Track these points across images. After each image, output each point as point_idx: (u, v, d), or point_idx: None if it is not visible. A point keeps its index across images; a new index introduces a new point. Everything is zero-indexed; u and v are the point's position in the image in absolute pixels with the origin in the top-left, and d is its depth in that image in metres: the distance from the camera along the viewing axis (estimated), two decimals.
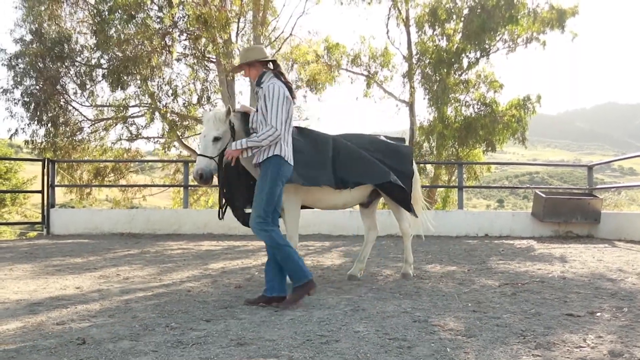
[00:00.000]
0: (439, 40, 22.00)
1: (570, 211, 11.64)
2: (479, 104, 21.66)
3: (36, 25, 19.16)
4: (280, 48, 21.71)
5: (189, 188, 12.79)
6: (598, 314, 4.41)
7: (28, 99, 18.99)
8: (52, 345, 3.54)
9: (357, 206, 6.73)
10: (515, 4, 19.98)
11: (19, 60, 18.94)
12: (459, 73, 21.81)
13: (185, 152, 22.28)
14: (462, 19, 21.24)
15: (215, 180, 5.15)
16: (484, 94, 21.89)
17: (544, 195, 11.77)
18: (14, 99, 19.06)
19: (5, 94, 19.02)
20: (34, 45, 18.94)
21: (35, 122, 19.20)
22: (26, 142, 19.75)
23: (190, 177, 13.01)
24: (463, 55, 21.35)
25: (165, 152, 22.07)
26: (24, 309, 4.64)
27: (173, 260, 7.87)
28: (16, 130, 19.33)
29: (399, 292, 5.40)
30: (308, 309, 4.63)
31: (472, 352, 3.40)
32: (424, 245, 9.71)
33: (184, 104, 20.96)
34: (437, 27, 21.67)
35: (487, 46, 21.12)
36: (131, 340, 3.64)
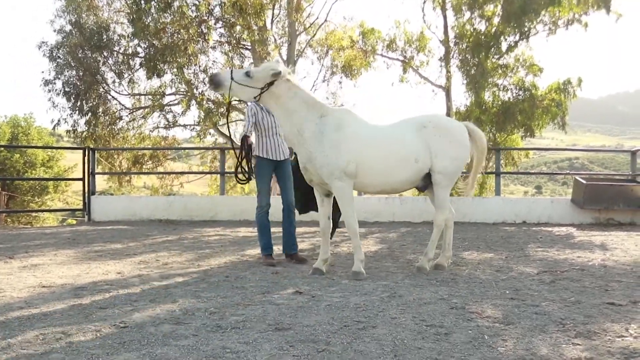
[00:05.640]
0: (477, 23, 21.58)
1: (612, 198, 11.35)
2: (518, 88, 21.19)
3: (75, 16, 19.56)
4: (315, 34, 21.66)
5: (226, 175, 12.91)
6: None
7: (69, 89, 19.44)
8: (97, 327, 3.65)
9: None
10: None
11: (60, 50, 19.36)
12: (497, 57, 21.34)
13: (221, 140, 22.49)
14: (502, 0, 20.73)
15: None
16: (523, 78, 21.40)
17: (584, 181, 11.51)
18: (56, 90, 19.53)
19: (48, 85, 19.49)
20: (73, 36, 19.33)
21: (77, 112, 19.65)
22: (68, 132, 20.23)
23: (227, 165, 13.15)
24: (502, 38, 20.88)
25: (201, 139, 22.33)
26: (69, 293, 4.78)
27: (210, 246, 7.99)
28: (59, 120, 19.84)
29: (436, 279, 5.37)
30: (345, 294, 4.65)
31: (510, 339, 3.38)
32: (461, 231, 9.62)
33: None
34: (475, 9, 21.23)
35: (526, 29, 20.60)
36: (172, 324, 3.73)
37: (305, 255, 6.90)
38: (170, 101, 21.46)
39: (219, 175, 13.59)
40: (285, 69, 5.47)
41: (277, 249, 6.73)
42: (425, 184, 5.90)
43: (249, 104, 6.40)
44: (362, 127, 5.60)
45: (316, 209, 6.16)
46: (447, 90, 22.54)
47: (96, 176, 12.94)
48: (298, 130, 5.46)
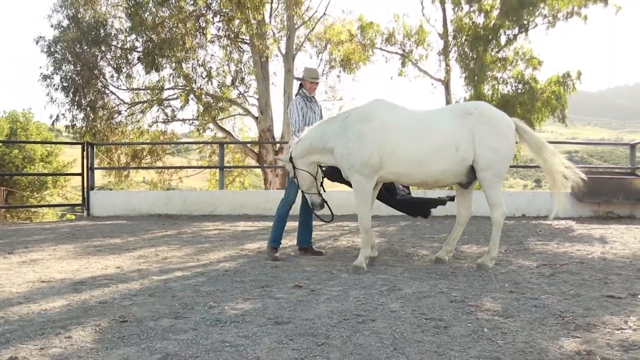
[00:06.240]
0: (476, 17, 21.52)
1: (611, 191, 11.36)
2: (517, 81, 21.12)
3: (72, 11, 19.49)
4: (313, 28, 21.61)
5: (224, 169, 12.89)
6: None
7: (67, 84, 19.37)
8: (96, 322, 3.64)
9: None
10: None
11: (58, 45, 19.28)
12: (497, 50, 21.28)
13: (220, 134, 22.44)
14: None
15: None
16: (522, 72, 21.32)
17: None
18: (54, 85, 19.47)
19: (46, 80, 19.44)
20: (71, 30, 19.25)
21: (75, 107, 19.59)
22: (67, 127, 20.17)
23: (226, 159, 13.12)
24: (501, 31, 20.81)
25: (200, 134, 22.27)
26: (68, 288, 4.78)
27: (210, 240, 7.99)
28: (57, 116, 19.77)
29: (435, 273, 5.37)
30: (344, 288, 4.65)
31: (509, 332, 3.38)
32: None
33: (218, 85, 21.08)
34: (474, 2, 21.17)
35: (525, 22, 20.54)
36: (171, 319, 3.72)
37: (317, 247, 6.93)
38: (169, 96, 21.41)
39: (217, 170, 13.56)
40: (292, 144, 5.92)
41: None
42: (469, 179, 5.61)
43: (294, 97, 6.60)
44: (393, 115, 5.42)
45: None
46: (447, 84, 22.49)
47: (95, 171, 12.93)
48: (323, 147, 5.60)
